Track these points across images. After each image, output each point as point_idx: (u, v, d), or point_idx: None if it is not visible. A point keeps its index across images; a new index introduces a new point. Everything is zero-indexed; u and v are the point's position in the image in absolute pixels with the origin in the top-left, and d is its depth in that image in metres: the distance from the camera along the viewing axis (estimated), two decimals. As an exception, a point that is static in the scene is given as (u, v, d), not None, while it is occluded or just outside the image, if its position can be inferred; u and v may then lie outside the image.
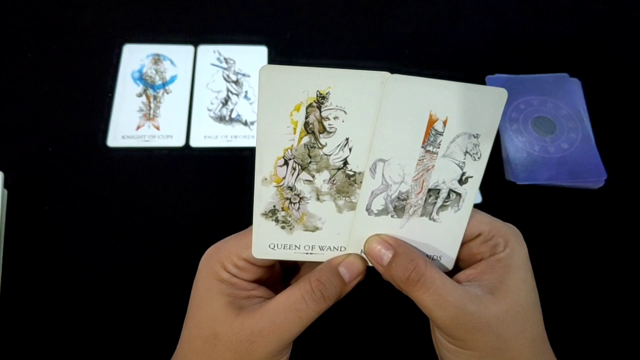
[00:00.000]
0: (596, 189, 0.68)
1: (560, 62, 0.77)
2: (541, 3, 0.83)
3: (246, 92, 0.72)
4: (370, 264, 0.42)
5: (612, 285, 0.62)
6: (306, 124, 0.38)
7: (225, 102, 0.71)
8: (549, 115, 0.72)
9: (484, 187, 0.67)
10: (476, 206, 0.43)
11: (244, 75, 0.73)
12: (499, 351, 0.39)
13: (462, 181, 0.41)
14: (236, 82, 0.72)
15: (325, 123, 0.38)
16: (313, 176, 0.40)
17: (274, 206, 0.40)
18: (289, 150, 0.39)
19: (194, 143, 0.68)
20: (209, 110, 0.70)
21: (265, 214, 0.41)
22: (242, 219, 0.60)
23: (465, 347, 0.39)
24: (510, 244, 0.41)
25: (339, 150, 0.39)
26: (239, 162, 0.67)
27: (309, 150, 0.39)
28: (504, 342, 0.39)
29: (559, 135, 0.70)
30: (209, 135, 0.69)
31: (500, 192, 0.67)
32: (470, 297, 0.39)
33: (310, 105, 0.37)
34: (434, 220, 0.42)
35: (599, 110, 0.73)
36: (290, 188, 0.40)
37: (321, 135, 0.38)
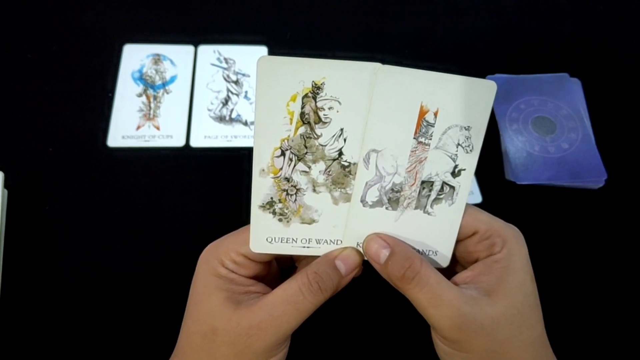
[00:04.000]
0: (596, 189, 0.68)
1: (560, 62, 0.77)
2: (541, 3, 0.84)
3: (246, 92, 0.72)
4: (366, 258, 0.42)
5: (612, 285, 0.62)
6: (302, 114, 0.38)
7: (226, 102, 0.71)
8: (549, 115, 0.72)
9: (484, 187, 0.67)
10: (476, 206, 0.43)
11: (244, 75, 0.73)
12: (494, 354, 0.39)
13: (455, 174, 0.41)
14: (236, 82, 0.73)
15: (321, 113, 0.38)
16: (309, 167, 0.40)
17: (271, 198, 0.41)
18: (286, 141, 0.39)
19: (194, 143, 0.68)
20: (209, 110, 0.70)
21: (262, 206, 0.41)
22: (241, 219, 0.60)
23: (460, 350, 0.39)
24: (509, 244, 0.41)
25: (334, 141, 0.39)
26: (239, 162, 0.67)
27: (305, 140, 0.39)
28: (498, 345, 0.39)
29: (559, 135, 0.70)
30: (209, 135, 0.69)
31: (500, 192, 0.67)
32: (465, 298, 0.39)
33: (306, 96, 0.38)
34: (428, 214, 0.42)
35: (599, 110, 0.73)
36: (287, 179, 0.40)
37: (317, 125, 0.39)
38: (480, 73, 0.73)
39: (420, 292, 0.39)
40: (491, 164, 0.68)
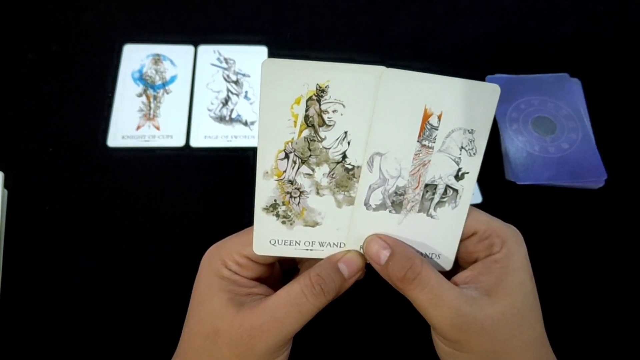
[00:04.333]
0: (596, 189, 0.68)
1: (560, 62, 0.77)
2: (541, 3, 0.84)
3: (246, 92, 0.72)
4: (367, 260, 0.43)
5: (612, 285, 0.62)
6: (306, 117, 0.38)
7: (226, 102, 0.71)
8: (549, 115, 0.72)
9: (484, 187, 0.67)
10: (476, 206, 0.43)
11: (244, 75, 0.73)
12: (495, 354, 0.39)
13: (458, 177, 0.41)
14: (236, 82, 0.72)
15: (325, 116, 0.38)
16: (313, 170, 0.40)
17: (275, 200, 0.41)
18: (290, 144, 0.39)
19: (194, 143, 0.68)
20: (209, 110, 0.70)
21: (266, 209, 0.41)
22: (242, 219, 0.60)
23: (461, 350, 0.40)
24: (508, 244, 0.41)
25: (338, 144, 0.39)
26: (239, 162, 0.67)
27: (309, 143, 0.39)
28: (499, 344, 0.39)
29: (559, 135, 0.70)
30: (209, 135, 0.69)
31: (500, 192, 0.67)
32: (465, 298, 0.39)
33: (310, 99, 0.38)
34: (431, 217, 0.42)
35: (599, 110, 0.73)
36: (291, 182, 0.40)
37: (321, 128, 0.39)
38: (480, 73, 0.73)
39: (421, 292, 0.39)
40: (491, 164, 0.68)
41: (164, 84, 0.72)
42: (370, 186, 0.41)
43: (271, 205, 0.41)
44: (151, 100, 0.70)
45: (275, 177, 0.40)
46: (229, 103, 0.71)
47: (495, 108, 0.40)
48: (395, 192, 0.41)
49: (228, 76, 0.73)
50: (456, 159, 0.41)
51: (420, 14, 0.81)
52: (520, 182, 0.66)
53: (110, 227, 0.62)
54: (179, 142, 0.68)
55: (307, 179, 0.40)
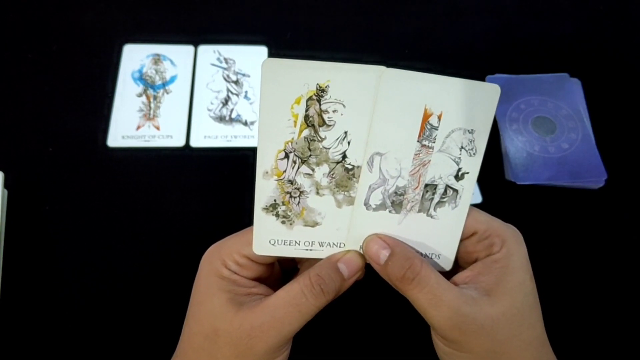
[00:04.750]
0: (596, 189, 0.68)
1: (560, 62, 0.77)
2: (541, 3, 0.84)
3: (246, 92, 0.72)
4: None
5: (612, 285, 0.62)
6: (306, 117, 0.38)
7: (225, 102, 0.71)
8: (549, 115, 0.72)
9: (484, 187, 0.67)
10: (476, 206, 0.43)
11: (244, 75, 0.73)
12: (495, 354, 0.39)
13: (458, 177, 0.41)
14: (236, 82, 0.72)
15: (325, 116, 0.38)
16: (313, 170, 0.40)
17: (275, 200, 0.41)
18: (290, 144, 0.39)
19: (194, 143, 0.68)
20: (209, 110, 0.70)
21: (266, 209, 0.41)
22: (242, 219, 0.60)
23: (460, 350, 0.40)
24: (508, 244, 0.41)
25: (338, 144, 0.39)
26: (239, 162, 0.67)
27: (309, 143, 0.39)
28: (498, 344, 0.39)
29: (559, 135, 0.70)
30: (209, 135, 0.69)
31: (500, 192, 0.67)
32: (465, 298, 0.39)
33: (310, 98, 0.38)
34: (431, 217, 0.42)
35: (599, 110, 0.73)
36: (291, 182, 0.40)
37: (321, 128, 0.39)
38: (480, 73, 0.73)
39: (421, 292, 0.39)
40: (491, 164, 0.68)
41: (164, 84, 0.72)
42: (370, 186, 0.41)
43: (271, 205, 0.41)
44: (151, 100, 0.70)
45: (275, 177, 0.40)
46: (229, 103, 0.71)
47: (495, 108, 0.40)
48: (395, 192, 0.41)
49: (228, 76, 0.73)
50: (456, 159, 0.41)
51: (420, 14, 0.81)
52: (520, 182, 0.66)
53: (110, 227, 0.62)
54: (179, 142, 0.68)
55: (307, 178, 0.40)
